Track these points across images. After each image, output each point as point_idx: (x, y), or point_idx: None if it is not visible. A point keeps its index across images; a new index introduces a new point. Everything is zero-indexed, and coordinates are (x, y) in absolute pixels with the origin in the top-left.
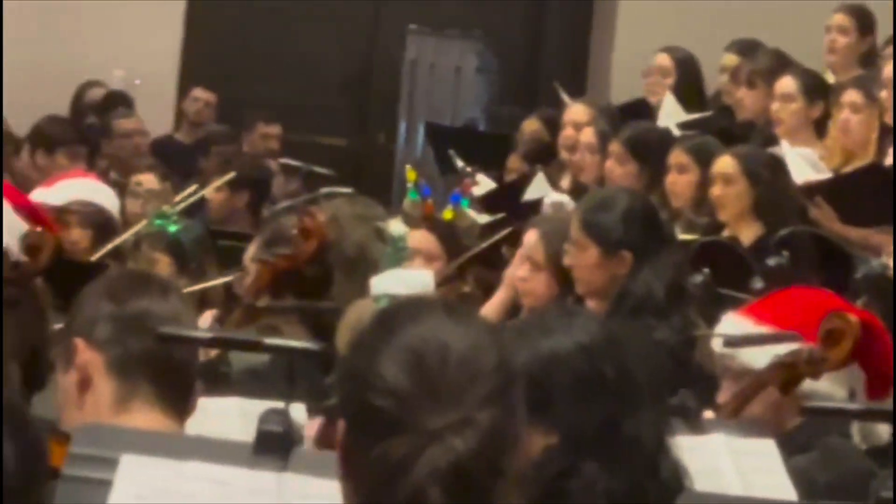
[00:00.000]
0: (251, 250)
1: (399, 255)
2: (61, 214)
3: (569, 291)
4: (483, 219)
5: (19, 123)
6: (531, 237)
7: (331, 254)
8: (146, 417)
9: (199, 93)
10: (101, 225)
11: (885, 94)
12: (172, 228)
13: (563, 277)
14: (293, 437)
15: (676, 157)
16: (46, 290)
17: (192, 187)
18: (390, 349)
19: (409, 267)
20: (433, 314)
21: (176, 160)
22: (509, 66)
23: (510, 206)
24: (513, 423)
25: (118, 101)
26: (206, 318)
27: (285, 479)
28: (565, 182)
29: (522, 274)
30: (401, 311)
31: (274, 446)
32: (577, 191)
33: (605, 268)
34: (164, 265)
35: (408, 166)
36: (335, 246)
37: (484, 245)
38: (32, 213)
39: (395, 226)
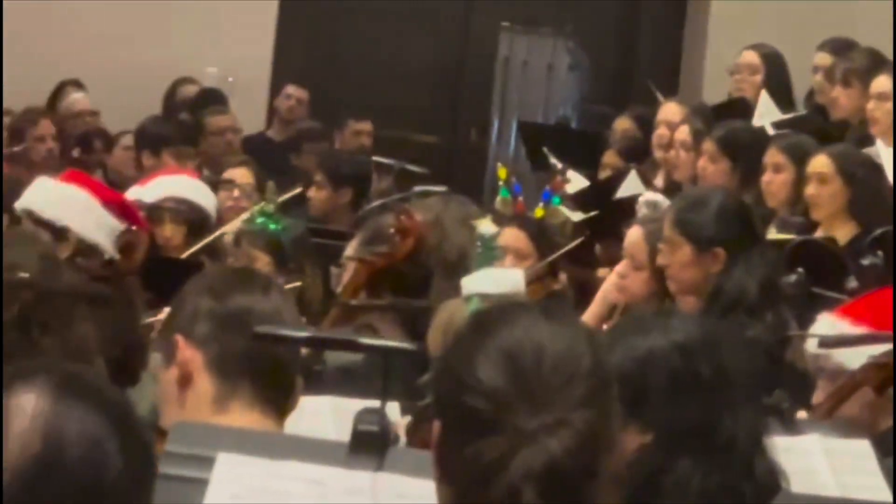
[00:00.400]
0: (350, 248)
1: (489, 254)
2: (155, 211)
3: (667, 292)
4: (577, 216)
5: (113, 120)
6: (634, 235)
7: (432, 256)
8: (246, 416)
9: (292, 90)
10: (195, 222)
11: None
12: (272, 227)
13: (662, 277)
14: (389, 436)
15: (772, 156)
16: (139, 287)
17: (298, 188)
18: (486, 351)
19: (501, 265)
20: (529, 316)
21: (268, 158)
22: (601, 63)
23: (603, 203)
24: (608, 425)
25: (212, 99)
26: None
27: (381, 479)
28: (659, 180)
29: (622, 270)
30: (497, 313)
31: (369, 446)
32: (670, 189)
33: (698, 266)
34: (263, 263)
35: (499, 164)
36: (437, 249)
37: (574, 243)
38: (123, 210)
39: (485, 225)
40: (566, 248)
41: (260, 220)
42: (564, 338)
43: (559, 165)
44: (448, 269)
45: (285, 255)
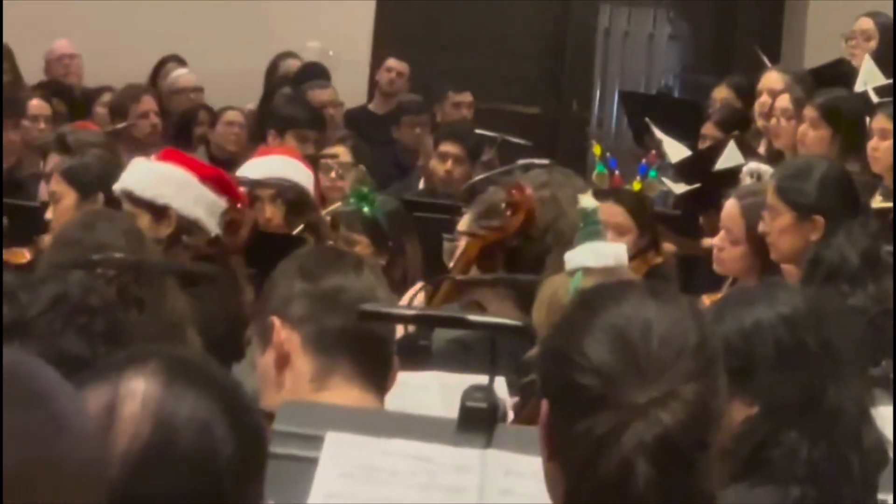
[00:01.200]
0: (462, 223)
1: (592, 228)
2: (255, 192)
3: (765, 265)
4: (679, 188)
5: (216, 96)
6: (731, 209)
7: (549, 233)
8: (346, 394)
9: (393, 63)
10: (294, 202)
11: None
12: (367, 209)
13: (760, 250)
14: (497, 413)
15: (879, 122)
16: (242, 264)
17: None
18: (594, 329)
19: (604, 239)
20: (635, 293)
21: (369, 131)
22: (702, 33)
23: (705, 174)
24: (716, 398)
25: (314, 73)
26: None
27: (489, 456)
28: (762, 149)
29: (718, 242)
30: (602, 291)
31: (478, 423)
32: (772, 157)
33: (798, 232)
34: (362, 246)
35: (593, 140)
36: (553, 225)
37: (675, 213)
38: (221, 186)
39: (587, 200)
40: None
41: (354, 202)
42: (671, 313)
43: (660, 136)
44: (565, 246)
45: (383, 235)
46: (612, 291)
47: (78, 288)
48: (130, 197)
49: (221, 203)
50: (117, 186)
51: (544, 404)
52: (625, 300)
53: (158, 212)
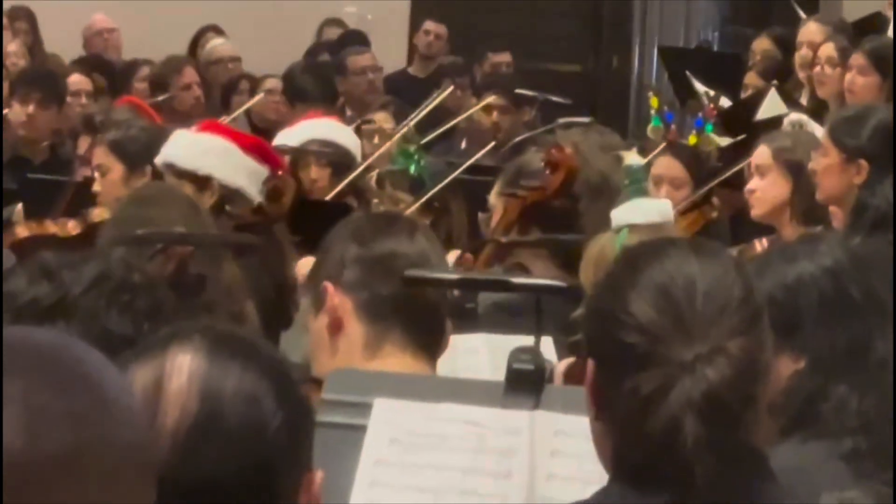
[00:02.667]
0: (494, 192)
1: (639, 186)
2: (300, 154)
3: (799, 206)
4: (724, 141)
5: (254, 65)
6: (762, 150)
7: (575, 185)
8: (398, 360)
9: (430, 26)
10: (340, 164)
11: None
12: (413, 168)
13: (793, 182)
14: (544, 374)
15: None
16: (287, 232)
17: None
18: (638, 287)
19: (655, 195)
20: (678, 250)
21: (410, 95)
22: None
23: (747, 123)
24: (762, 352)
25: (353, 39)
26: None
27: (537, 417)
28: (803, 100)
29: (751, 186)
30: (646, 249)
31: (525, 384)
32: (815, 107)
33: (841, 174)
34: (406, 205)
35: (650, 93)
36: (579, 176)
37: (731, 170)
38: (263, 154)
39: (633, 157)
40: (723, 177)
41: (401, 160)
42: (714, 270)
43: (702, 90)
44: (592, 196)
45: (428, 194)
46: (656, 249)
47: (120, 265)
48: (172, 169)
49: (263, 171)
50: (159, 159)
51: (590, 364)
52: (668, 257)
53: (201, 182)
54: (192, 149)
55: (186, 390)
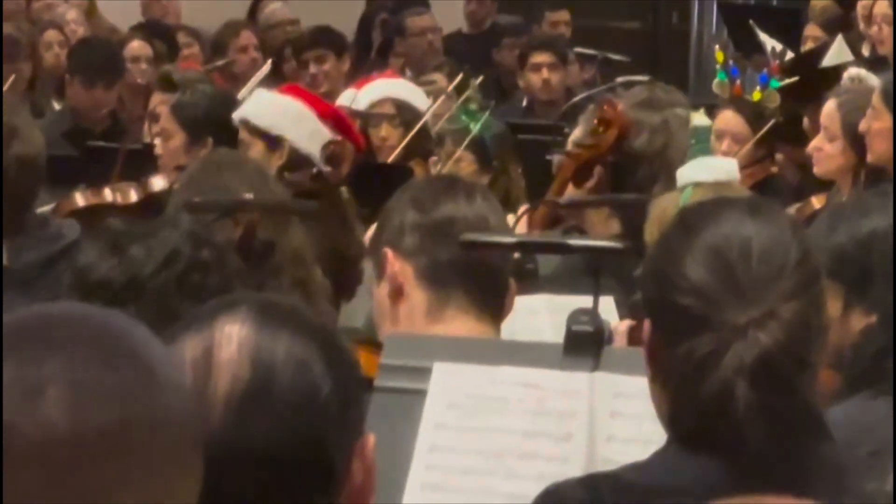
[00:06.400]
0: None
1: (704, 146)
2: (371, 113)
3: (862, 164)
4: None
5: (314, 24)
6: (829, 107)
7: (632, 144)
8: (461, 324)
9: None
10: (411, 123)
11: None
12: (475, 126)
13: (858, 147)
14: (603, 336)
15: None
16: (352, 200)
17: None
18: (693, 249)
19: (717, 149)
20: (734, 212)
21: (469, 55)
22: None
23: (809, 73)
24: (817, 316)
25: (412, 1)
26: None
27: (597, 379)
28: (866, 51)
29: (817, 143)
30: (701, 211)
31: (584, 346)
32: (876, 62)
33: (893, 137)
34: (466, 163)
35: (716, 47)
36: (635, 136)
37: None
38: (338, 123)
39: (699, 118)
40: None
41: (462, 118)
42: (770, 232)
43: (765, 39)
44: (651, 155)
45: (488, 154)
46: (711, 210)
47: (190, 241)
48: (247, 125)
49: (327, 136)
50: (236, 114)
51: (647, 325)
52: (723, 219)
53: (273, 142)
54: (270, 108)
55: (237, 358)
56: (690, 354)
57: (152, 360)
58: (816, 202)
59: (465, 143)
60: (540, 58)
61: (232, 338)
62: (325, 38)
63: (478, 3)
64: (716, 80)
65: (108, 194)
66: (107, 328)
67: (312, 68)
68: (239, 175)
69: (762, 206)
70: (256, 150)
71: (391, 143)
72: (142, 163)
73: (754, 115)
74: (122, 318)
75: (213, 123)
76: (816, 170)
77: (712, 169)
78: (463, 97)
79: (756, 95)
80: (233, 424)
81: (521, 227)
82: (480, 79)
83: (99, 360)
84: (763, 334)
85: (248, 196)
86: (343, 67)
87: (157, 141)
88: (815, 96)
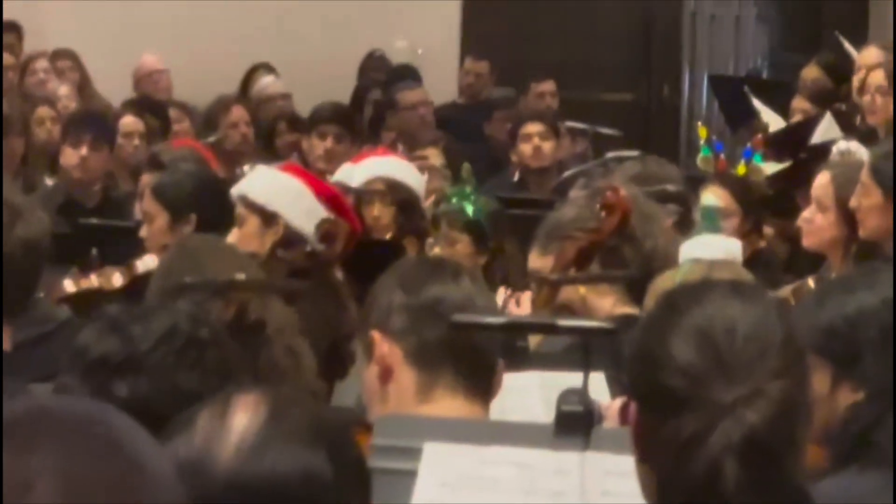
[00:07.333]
0: (532, 259)
1: (712, 224)
2: (364, 191)
3: (853, 238)
4: (771, 168)
5: (306, 101)
6: (822, 178)
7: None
8: (450, 405)
9: (469, 65)
10: (404, 202)
11: None
12: (470, 208)
13: (850, 220)
14: (593, 415)
15: None
16: (347, 281)
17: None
18: (679, 329)
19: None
20: (719, 293)
21: (462, 125)
22: (788, 12)
23: (796, 148)
24: (803, 394)
25: (403, 74)
26: (500, 295)
27: (588, 458)
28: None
29: (807, 214)
30: (687, 291)
31: (574, 426)
32: (865, 134)
33: (885, 213)
34: (463, 245)
35: (699, 123)
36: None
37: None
38: (335, 204)
39: (708, 197)
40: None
41: (456, 201)
42: (755, 312)
43: (759, 106)
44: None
45: (484, 235)
46: (696, 291)
47: (188, 320)
48: (245, 200)
49: (322, 213)
50: (234, 190)
51: (634, 406)
52: (708, 299)
53: (267, 218)
54: (268, 185)
55: (247, 447)
56: (678, 434)
57: (140, 453)
58: (812, 282)
59: (461, 226)
60: (531, 128)
61: (239, 427)
62: (345, 118)
63: (475, 76)
64: (700, 156)
65: (94, 279)
66: (94, 421)
67: (328, 141)
68: (217, 258)
69: (746, 288)
70: (252, 225)
71: (384, 222)
72: (134, 240)
73: (740, 188)
74: (110, 411)
75: (196, 201)
76: (806, 242)
77: (711, 247)
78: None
79: (741, 169)
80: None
81: (525, 306)
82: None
83: (88, 452)
84: (750, 412)
85: (240, 276)
86: (351, 153)
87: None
88: (805, 179)
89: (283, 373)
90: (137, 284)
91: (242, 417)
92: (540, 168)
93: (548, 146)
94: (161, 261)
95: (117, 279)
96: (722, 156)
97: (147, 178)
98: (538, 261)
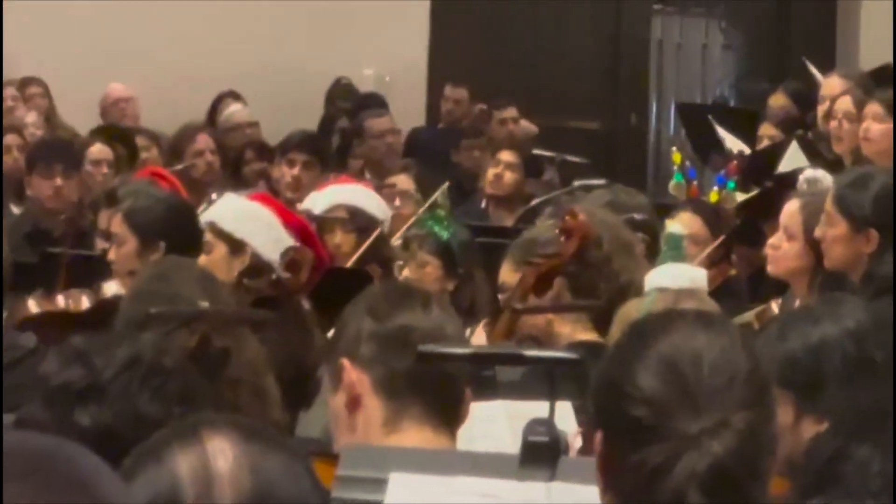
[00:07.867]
0: (507, 263)
1: (675, 253)
2: (326, 219)
3: (819, 266)
4: (741, 196)
5: (274, 129)
6: (790, 207)
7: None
8: (417, 436)
9: (449, 92)
10: (365, 229)
11: None
12: (444, 233)
13: (817, 250)
14: (559, 446)
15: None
16: (312, 310)
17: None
18: (644, 360)
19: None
20: (685, 324)
21: (429, 147)
22: (755, 41)
23: (765, 175)
24: (768, 426)
25: (369, 103)
26: (480, 333)
27: (553, 489)
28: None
29: (774, 241)
30: (652, 322)
31: (540, 456)
32: (832, 162)
33: (850, 244)
34: (432, 268)
35: (674, 149)
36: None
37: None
38: (303, 234)
39: (674, 225)
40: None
41: (429, 224)
42: (721, 343)
43: (723, 134)
44: (603, 262)
45: (455, 260)
46: (662, 322)
47: (151, 349)
48: (213, 228)
49: (287, 243)
50: (204, 216)
51: (599, 436)
52: (674, 330)
53: (235, 246)
54: (237, 213)
55: (236, 468)
56: (643, 464)
57: (103, 488)
58: (775, 306)
59: (433, 249)
60: (502, 155)
61: (226, 450)
62: (315, 146)
63: (454, 102)
64: (672, 182)
65: (60, 301)
66: (56, 457)
67: (296, 169)
68: (187, 283)
69: (712, 318)
70: (219, 252)
71: (345, 250)
72: (97, 269)
73: (712, 216)
74: (71, 447)
75: (165, 228)
76: (771, 269)
77: (677, 277)
78: (430, 201)
79: (713, 196)
80: None
81: (480, 337)
82: (446, 184)
83: (52, 490)
84: (716, 443)
85: (205, 306)
86: (320, 181)
87: (111, 244)
88: (773, 212)
89: (248, 412)
90: (104, 308)
91: (223, 462)
92: (505, 196)
93: (510, 177)
94: (133, 283)
95: (84, 301)
96: (695, 182)
97: (105, 214)
98: (510, 275)
